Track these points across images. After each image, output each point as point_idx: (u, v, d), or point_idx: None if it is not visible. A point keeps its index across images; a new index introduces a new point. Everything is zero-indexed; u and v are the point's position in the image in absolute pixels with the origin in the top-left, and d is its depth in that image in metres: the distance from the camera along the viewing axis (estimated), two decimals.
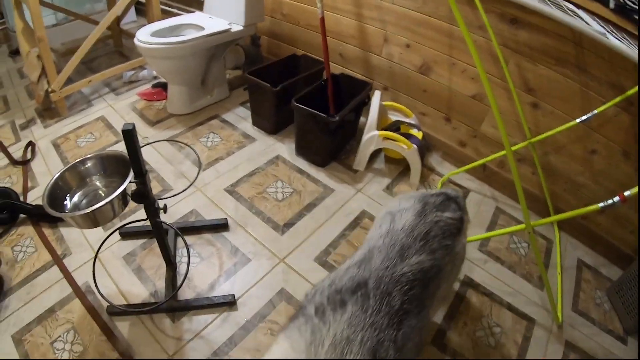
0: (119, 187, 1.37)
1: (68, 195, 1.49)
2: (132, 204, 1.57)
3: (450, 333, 1.71)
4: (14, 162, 2.54)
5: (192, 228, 2.04)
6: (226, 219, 2.07)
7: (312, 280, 1.86)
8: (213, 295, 1.78)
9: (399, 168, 2.46)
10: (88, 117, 2.87)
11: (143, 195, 1.45)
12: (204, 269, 1.89)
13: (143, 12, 4.45)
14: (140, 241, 2.02)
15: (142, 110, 2.91)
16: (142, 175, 1.41)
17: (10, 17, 4.14)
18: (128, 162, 1.41)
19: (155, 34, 2.53)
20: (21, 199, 2.27)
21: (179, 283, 1.79)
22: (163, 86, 3.00)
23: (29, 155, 2.56)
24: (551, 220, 1.51)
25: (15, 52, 4.23)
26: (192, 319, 1.72)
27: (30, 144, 2.63)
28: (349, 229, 2.09)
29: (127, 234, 2.02)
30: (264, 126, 2.67)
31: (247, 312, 1.74)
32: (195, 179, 2.03)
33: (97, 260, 1.90)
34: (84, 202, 1.49)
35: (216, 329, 1.68)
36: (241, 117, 2.82)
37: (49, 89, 2.72)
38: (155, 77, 3.25)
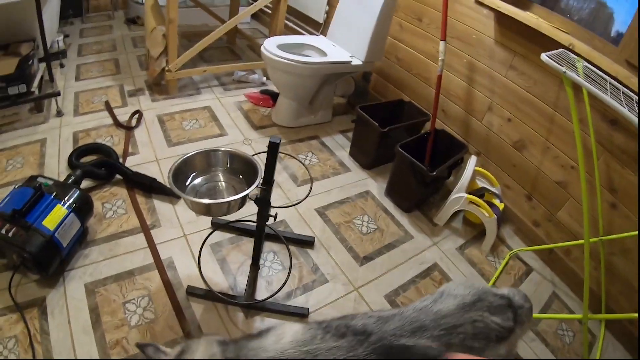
0: (239, 186, 1.46)
1: (192, 175, 1.58)
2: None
3: None
4: (118, 124, 2.66)
5: (280, 237, 2.11)
6: (314, 237, 2.14)
7: None
8: (289, 304, 1.84)
9: (474, 232, 2.49)
10: (195, 104, 3.00)
11: (265, 202, 1.53)
12: (283, 278, 1.95)
13: (259, 16, 4.65)
14: (229, 235, 2.11)
15: (248, 111, 3.04)
16: (269, 184, 1.49)
17: None
18: (255, 167, 1.50)
19: (282, 47, 2.66)
20: (120, 161, 2.38)
21: (259, 284, 1.85)
22: (271, 94, 3.12)
23: (134, 123, 2.68)
24: (606, 317, 1.54)
25: (131, 21, 4.45)
26: (264, 320, 1.78)
27: (138, 112, 2.76)
28: (420, 277, 2.13)
29: (218, 225, 2.10)
30: (360, 159, 2.75)
31: None
32: (308, 193, 2.11)
33: (186, 241, 1.98)
34: (204, 188, 1.57)
35: None
36: (339, 145, 2.91)
37: (166, 68, 2.87)
38: (263, 83, 3.39)
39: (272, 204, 1.62)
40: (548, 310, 2.17)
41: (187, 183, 1.56)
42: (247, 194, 1.43)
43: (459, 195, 2.34)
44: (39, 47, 3.07)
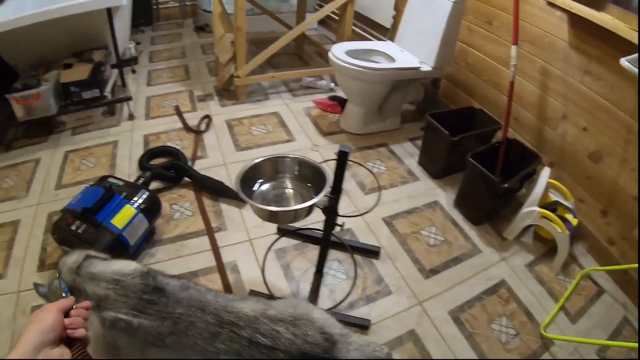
0: (307, 193, 1.44)
1: (259, 181, 1.58)
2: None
3: None
4: (187, 128, 2.72)
5: (343, 245, 2.07)
6: (379, 247, 2.09)
7: (442, 331, 1.82)
8: (351, 314, 1.80)
9: (545, 248, 2.36)
10: (263, 109, 3.03)
11: (333, 211, 1.50)
12: (347, 287, 1.91)
13: (325, 22, 4.66)
14: (294, 241, 2.10)
15: (316, 117, 3.03)
16: (338, 192, 1.46)
17: None
18: (323, 175, 1.47)
19: (349, 53, 2.64)
20: (189, 164, 2.42)
21: (322, 292, 1.82)
22: (339, 100, 3.11)
23: (203, 127, 2.73)
24: None
25: (200, 29, 4.58)
26: None
27: (207, 117, 2.81)
28: (487, 294, 2.03)
29: (284, 231, 2.09)
30: (429, 168, 2.68)
31: (376, 340, 1.73)
32: (377, 203, 2.07)
33: (250, 245, 1.98)
34: (271, 194, 1.56)
35: None
36: (408, 153, 2.85)
37: (235, 74, 2.91)
38: (331, 89, 3.38)
39: (339, 213, 1.58)
40: (618, 337, 2.03)
41: (255, 189, 1.55)
42: (314, 203, 1.40)
43: (530, 209, 2.23)
44: (112, 54, 3.19)
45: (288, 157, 1.58)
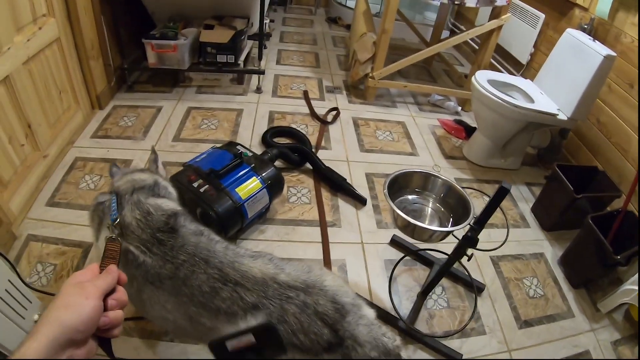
0: (445, 217, 1.45)
1: (403, 190, 1.60)
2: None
3: None
4: (314, 115, 2.78)
5: (451, 274, 2.06)
6: (485, 285, 2.07)
7: None
8: (444, 342, 1.79)
9: (632, 330, 2.27)
10: (390, 116, 3.05)
11: (472, 242, 1.50)
12: (445, 315, 1.91)
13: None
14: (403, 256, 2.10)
15: (440, 138, 3.03)
16: (482, 225, 1.46)
17: None
18: (467, 205, 1.47)
19: (491, 82, 2.60)
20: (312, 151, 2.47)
21: (421, 314, 1.83)
22: (465, 126, 3.09)
23: (329, 118, 2.78)
24: None
25: (332, 20, 4.66)
26: (415, 351, 1.75)
27: (336, 109, 2.86)
28: None
29: (397, 244, 2.11)
30: (542, 218, 2.62)
31: None
32: (505, 241, 2.04)
33: (363, 249, 2.00)
34: (412, 207, 1.58)
35: None
36: (523, 197, 2.80)
37: (370, 75, 2.94)
38: (457, 113, 3.36)
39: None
40: None
41: (398, 195, 1.58)
42: (455, 230, 1.41)
43: (631, 288, 2.15)
44: (252, 26, 3.29)
45: (440, 178, 1.59)
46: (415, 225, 1.45)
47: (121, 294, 0.64)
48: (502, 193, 1.35)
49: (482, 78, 2.59)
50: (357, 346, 0.97)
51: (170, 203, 1.23)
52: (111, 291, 0.63)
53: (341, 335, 0.98)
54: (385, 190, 1.46)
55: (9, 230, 1.88)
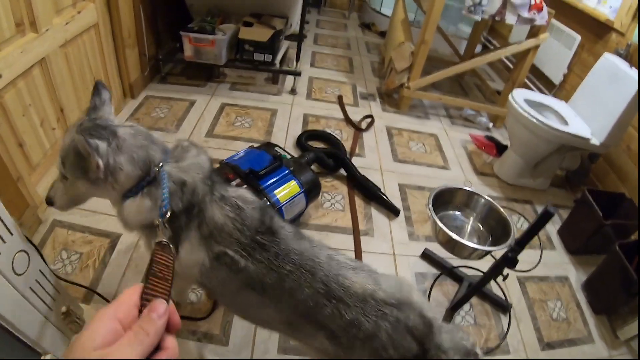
0: (483, 237, 1.47)
1: (449, 205, 1.62)
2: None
3: None
4: (349, 121, 2.80)
5: (480, 292, 2.08)
6: (511, 305, 2.09)
7: None
8: None
9: None
10: (423, 127, 3.07)
11: (512, 262, 1.52)
12: (472, 332, 1.93)
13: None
14: (434, 271, 2.13)
15: (471, 153, 3.05)
16: (522, 246, 1.48)
17: None
18: (507, 227, 1.50)
19: (527, 102, 2.62)
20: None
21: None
22: (496, 143, 3.10)
23: (364, 125, 2.80)
24: None
25: (366, 26, 4.68)
26: None
27: (371, 117, 2.88)
28: None
29: (429, 257, 2.13)
30: (567, 241, 2.63)
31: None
32: (538, 262, 2.03)
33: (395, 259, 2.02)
34: (454, 223, 1.60)
35: None
36: None
37: (406, 84, 2.96)
38: (488, 129, 3.37)
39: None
40: None
41: (440, 210, 1.60)
42: (496, 250, 1.44)
43: None
44: (290, 26, 3.31)
45: (483, 198, 1.62)
46: (457, 242, 1.48)
47: (171, 352, 0.45)
48: (546, 217, 1.37)
49: (519, 97, 2.61)
50: (441, 353, 1.02)
51: (243, 191, 1.14)
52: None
53: (427, 346, 1.01)
54: (430, 205, 1.49)
55: (35, 214, 1.88)
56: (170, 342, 0.45)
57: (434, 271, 2.11)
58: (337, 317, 1.00)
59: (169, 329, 0.45)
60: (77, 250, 1.84)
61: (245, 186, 1.89)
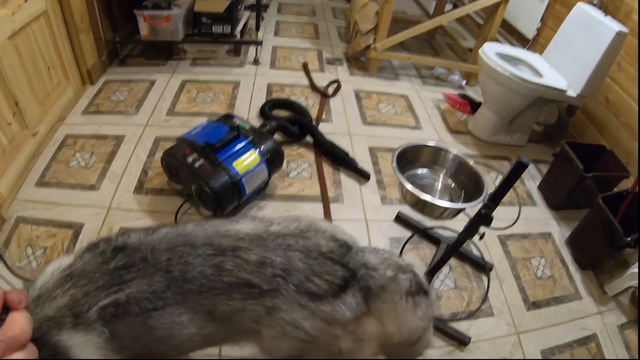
0: (455, 194, 1.38)
1: (415, 164, 1.52)
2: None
3: None
4: (314, 87, 2.69)
5: (458, 253, 1.99)
6: (492, 265, 2.00)
7: None
8: (452, 325, 1.73)
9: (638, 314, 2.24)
10: (393, 89, 2.97)
11: (487, 219, 1.41)
12: (452, 296, 1.85)
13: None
14: (409, 233, 2.03)
15: (445, 112, 2.94)
16: (497, 202, 1.37)
17: None
18: (480, 182, 1.39)
19: (500, 56, 2.51)
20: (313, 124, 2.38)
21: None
22: (470, 100, 3.00)
23: (330, 91, 2.69)
24: None
25: None
26: None
27: (337, 82, 2.77)
28: (577, 344, 1.92)
29: (403, 221, 2.02)
30: (548, 197, 2.55)
31: None
32: (517, 219, 1.96)
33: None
34: (423, 182, 1.50)
35: (439, 356, 1.64)
36: (529, 174, 2.71)
37: (373, 46, 2.84)
38: (461, 87, 3.27)
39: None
40: None
41: (406, 169, 1.49)
42: (469, 207, 1.33)
43: (638, 272, 2.10)
44: None
45: (450, 153, 1.50)
46: (426, 202, 1.37)
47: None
48: (520, 168, 1.26)
49: (490, 51, 2.49)
50: (371, 271, 0.94)
51: (49, 266, 0.93)
52: None
53: (352, 267, 0.94)
54: (394, 164, 1.38)
55: None
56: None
57: (408, 234, 2.01)
58: (243, 264, 0.89)
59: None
60: (42, 245, 1.77)
61: (202, 161, 1.78)
